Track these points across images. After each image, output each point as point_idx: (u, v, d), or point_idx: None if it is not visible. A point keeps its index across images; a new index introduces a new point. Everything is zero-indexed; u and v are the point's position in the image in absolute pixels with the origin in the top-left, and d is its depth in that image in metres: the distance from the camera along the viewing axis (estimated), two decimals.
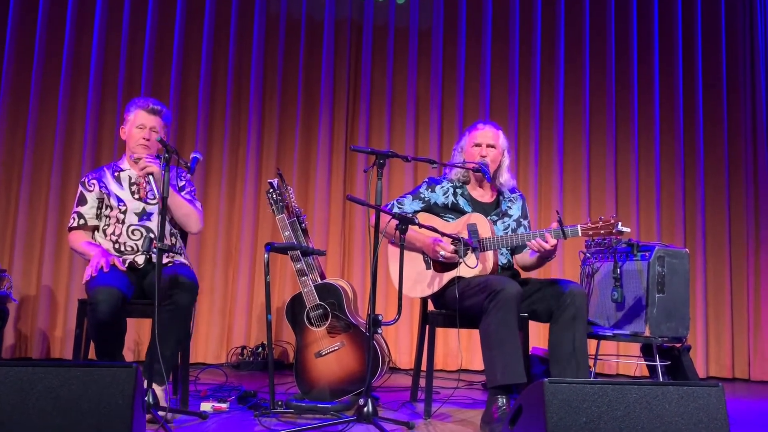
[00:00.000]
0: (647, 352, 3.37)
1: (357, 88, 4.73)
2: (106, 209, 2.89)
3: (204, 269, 4.44)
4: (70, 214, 2.92)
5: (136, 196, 2.90)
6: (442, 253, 2.80)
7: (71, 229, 2.90)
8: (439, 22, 4.76)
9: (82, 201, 2.90)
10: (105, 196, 2.88)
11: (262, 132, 4.63)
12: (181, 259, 2.96)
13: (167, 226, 2.95)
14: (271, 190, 3.17)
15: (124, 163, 2.98)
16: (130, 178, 2.93)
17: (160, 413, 2.38)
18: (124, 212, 2.87)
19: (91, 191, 2.89)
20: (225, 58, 4.63)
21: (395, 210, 2.98)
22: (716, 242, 4.72)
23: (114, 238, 2.86)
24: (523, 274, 3.10)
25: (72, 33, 4.47)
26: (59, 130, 4.39)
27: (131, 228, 2.87)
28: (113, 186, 2.91)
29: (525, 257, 3.03)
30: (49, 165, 4.39)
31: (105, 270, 2.61)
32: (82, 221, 2.88)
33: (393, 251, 2.98)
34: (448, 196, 3.04)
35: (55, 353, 4.25)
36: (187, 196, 2.98)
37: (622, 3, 4.87)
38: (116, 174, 2.94)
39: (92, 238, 2.90)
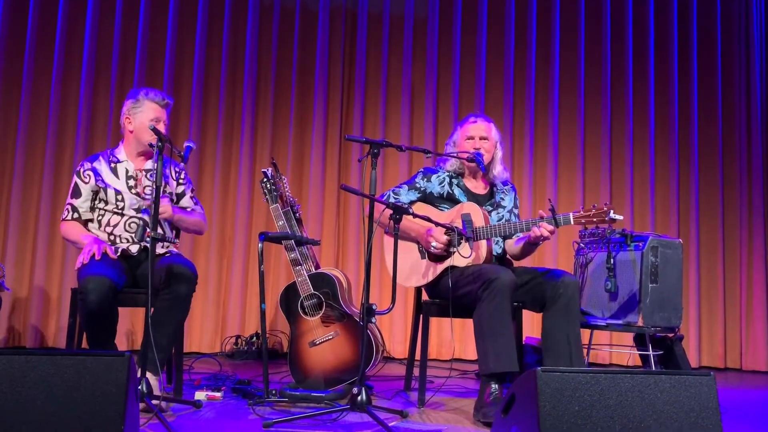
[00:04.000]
0: (640, 341, 3.38)
1: (351, 77, 4.71)
2: (99, 202, 2.85)
3: (198, 259, 4.43)
4: (64, 203, 2.90)
5: (134, 191, 2.87)
6: (434, 244, 2.80)
7: (64, 220, 2.87)
8: (435, 11, 4.74)
9: (77, 193, 2.85)
10: (101, 188, 2.84)
11: (256, 121, 4.60)
12: (177, 249, 2.96)
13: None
14: (265, 179, 3.16)
15: (122, 153, 2.92)
16: (127, 171, 2.89)
17: (154, 402, 2.38)
18: (122, 208, 2.85)
19: (86, 183, 2.84)
20: (219, 47, 4.59)
21: (391, 200, 2.98)
22: (710, 233, 4.74)
23: (110, 229, 2.84)
24: (515, 263, 3.11)
25: (64, 21, 4.43)
26: (52, 120, 4.35)
27: (128, 221, 2.85)
28: (110, 178, 2.86)
29: (512, 245, 3.04)
30: (42, 155, 4.35)
31: (97, 257, 2.60)
32: (75, 215, 2.84)
33: (388, 241, 2.97)
34: (444, 186, 3.04)
35: (49, 343, 4.24)
36: (190, 206, 3.03)
37: None
38: (113, 165, 2.89)
39: (86, 228, 2.87)
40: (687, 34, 4.85)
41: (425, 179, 3.06)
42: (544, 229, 2.69)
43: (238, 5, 4.64)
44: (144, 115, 2.84)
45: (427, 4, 4.75)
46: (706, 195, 4.77)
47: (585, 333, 3.04)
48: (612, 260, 3.19)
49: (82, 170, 2.87)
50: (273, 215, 3.13)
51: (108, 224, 2.84)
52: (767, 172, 4.80)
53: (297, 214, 3.17)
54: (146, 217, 2.85)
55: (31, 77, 4.38)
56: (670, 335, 3.30)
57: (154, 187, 2.45)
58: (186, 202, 3.04)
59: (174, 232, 3.03)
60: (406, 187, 3.07)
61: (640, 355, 3.37)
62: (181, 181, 3.02)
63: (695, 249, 4.66)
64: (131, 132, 2.89)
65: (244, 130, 4.54)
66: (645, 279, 3.12)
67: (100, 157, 2.92)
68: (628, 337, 4.07)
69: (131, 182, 2.88)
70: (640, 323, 3.10)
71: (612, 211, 2.63)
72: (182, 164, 2.76)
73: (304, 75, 4.67)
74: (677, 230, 4.66)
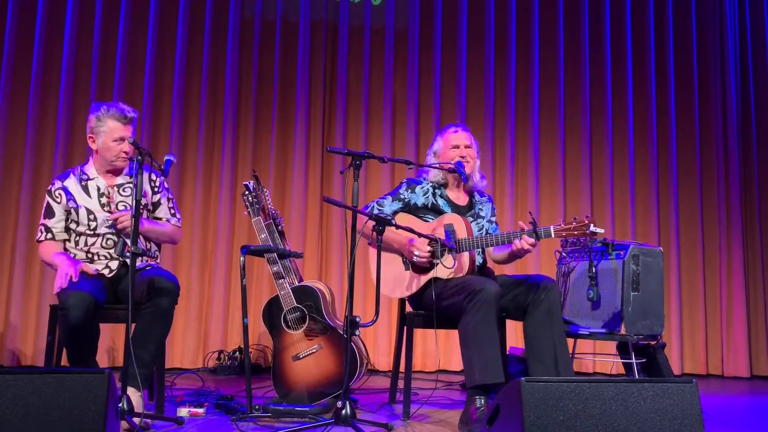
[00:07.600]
0: (623, 350, 3.40)
1: (333, 89, 4.72)
2: (71, 223, 2.80)
3: (180, 273, 4.38)
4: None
5: (106, 209, 2.80)
6: (417, 253, 2.80)
7: (39, 241, 2.81)
8: (415, 24, 4.77)
9: (50, 213, 2.79)
10: (71, 209, 2.78)
11: (237, 134, 4.59)
12: (158, 263, 2.92)
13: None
14: (247, 192, 3.14)
15: (92, 170, 2.85)
16: (98, 189, 2.82)
17: (135, 419, 2.34)
18: (94, 228, 2.79)
19: (58, 203, 2.79)
20: (199, 60, 4.58)
21: (375, 211, 2.98)
22: (689, 241, 4.79)
23: (87, 248, 2.80)
24: (497, 270, 3.12)
25: (43, 32, 4.40)
26: (30, 132, 4.31)
27: (105, 239, 2.80)
28: (81, 197, 2.80)
29: (492, 252, 3.07)
30: (20, 169, 4.30)
31: (74, 279, 2.55)
32: (49, 235, 2.79)
33: (372, 252, 2.97)
34: (428, 197, 3.04)
35: (27, 361, 4.17)
36: (165, 216, 2.93)
37: (594, 8, 4.92)
38: (83, 183, 2.83)
39: (63, 247, 2.81)
40: (663, 45, 4.93)
41: (409, 190, 3.06)
42: (525, 242, 2.70)
43: (219, 18, 4.63)
44: (107, 135, 2.76)
45: (408, 16, 4.78)
46: (685, 204, 4.84)
47: (569, 342, 3.05)
48: (594, 269, 3.21)
49: (53, 189, 2.81)
50: (255, 228, 3.11)
51: (85, 244, 2.80)
52: (744, 181, 4.89)
53: (279, 227, 3.15)
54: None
55: (8, 94, 4.33)
56: (653, 343, 3.32)
57: (132, 202, 2.40)
58: (162, 212, 2.95)
59: (156, 246, 2.99)
60: (390, 198, 3.07)
61: (623, 363, 3.39)
62: (156, 189, 2.93)
63: (675, 257, 4.71)
64: (96, 151, 2.82)
65: (225, 143, 4.52)
66: (627, 287, 3.14)
67: (71, 175, 2.86)
68: (612, 346, 4.10)
69: (103, 200, 2.81)
70: (622, 331, 3.12)
71: (593, 224, 2.63)
72: (162, 177, 2.72)
73: (286, 87, 4.66)
74: (657, 239, 4.71)
